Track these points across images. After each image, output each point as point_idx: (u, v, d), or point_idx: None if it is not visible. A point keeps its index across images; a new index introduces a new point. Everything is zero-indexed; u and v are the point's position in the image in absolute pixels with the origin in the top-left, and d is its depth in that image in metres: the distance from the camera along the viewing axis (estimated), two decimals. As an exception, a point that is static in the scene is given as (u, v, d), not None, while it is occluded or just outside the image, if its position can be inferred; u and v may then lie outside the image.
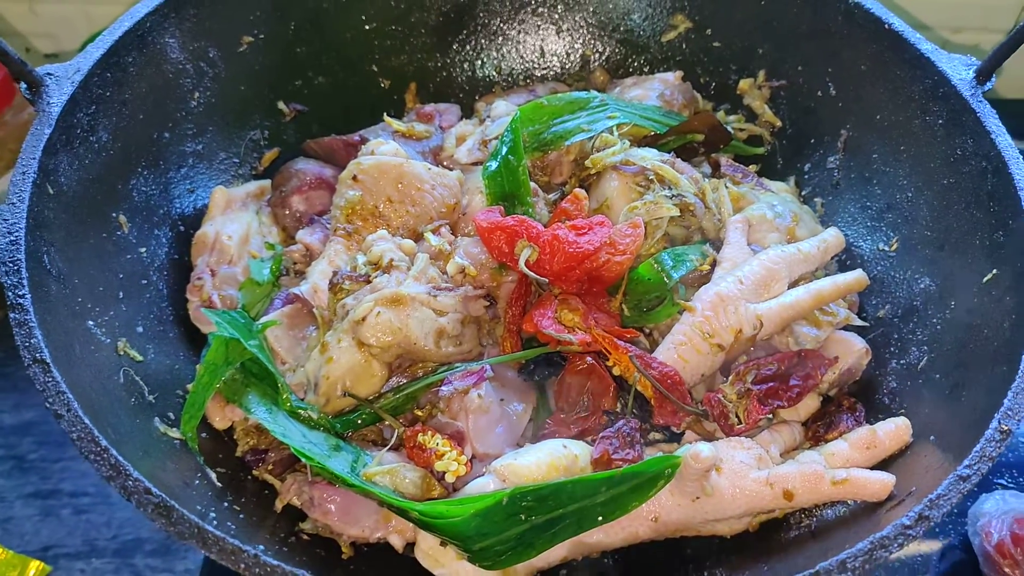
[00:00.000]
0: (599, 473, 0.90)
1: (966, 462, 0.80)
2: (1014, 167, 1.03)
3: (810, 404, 1.08)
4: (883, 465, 0.97)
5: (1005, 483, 1.28)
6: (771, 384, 1.03)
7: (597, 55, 1.44)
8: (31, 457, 1.27)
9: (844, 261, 1.24)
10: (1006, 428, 0.81)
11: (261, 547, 0.75)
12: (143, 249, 1.13)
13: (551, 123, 1.21)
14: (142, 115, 1.15)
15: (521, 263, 1.05)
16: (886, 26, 1.20)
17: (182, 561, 1.18)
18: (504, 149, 1.17)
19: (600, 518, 0.89)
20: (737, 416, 1.01)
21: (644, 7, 1.40)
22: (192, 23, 1.21)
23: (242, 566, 0.71)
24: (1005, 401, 0.84)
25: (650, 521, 0.94)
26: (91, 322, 0.98)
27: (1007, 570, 1.13)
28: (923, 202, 1.17)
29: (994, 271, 1.01)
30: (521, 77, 1.45)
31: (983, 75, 1.12)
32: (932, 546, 1.21)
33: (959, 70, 1.14)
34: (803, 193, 1.33)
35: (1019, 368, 0.85)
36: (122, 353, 1.01)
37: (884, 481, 0.92)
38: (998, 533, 1.14)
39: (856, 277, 1.11)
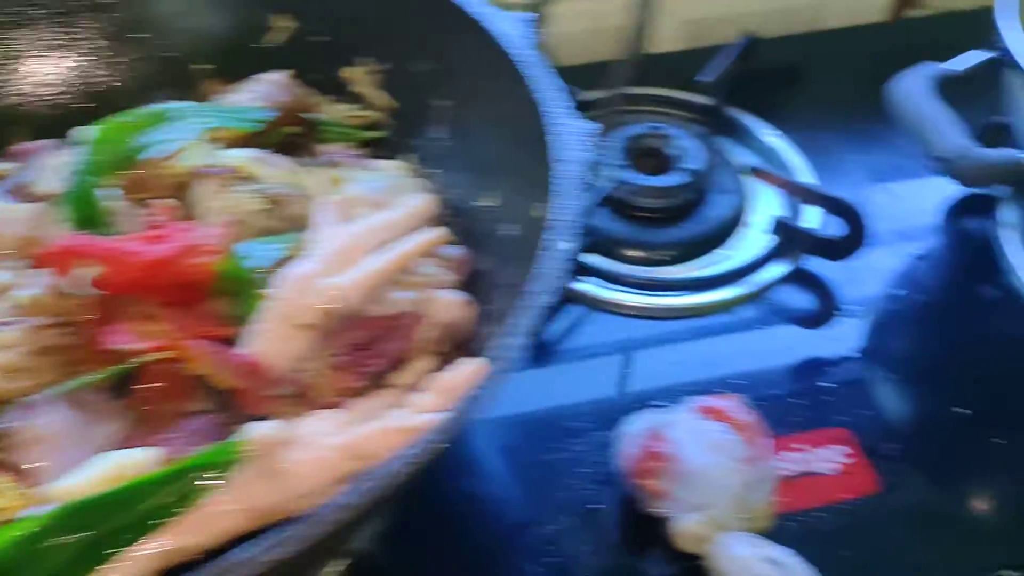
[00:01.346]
0: (154, 473, 0.88)
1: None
2: (551, 108, 1.11)
3: (422, 365, 1.11)
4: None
5: (659, 403, 1.33)
6: (360, 352, 1.05)
7: (201, 67, 1.44)
8: None
9: (461, 223, 1.28)
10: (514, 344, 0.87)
11: None
12: None
13: (132, 140, 1.20)
14: None
15: (85, 282, 1.02)
16: (447, 2, 1.26)
17: None
18: (80, 173, 1.14)
19: (173, 517, 0.88)
20: (327, 389, 1.03)
21: (241, 12, 1.41)
22: None
23: None
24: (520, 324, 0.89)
25: (243, 512, 0.93)
26: None
27: (647, 483, 1.17)
28: (509, 156, 1.23)
29: (542, 204, 1.07)
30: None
31: (533, 28, 1.21)
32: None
33: (514, 26, 1.22)
34: (421, 167, 1.37)
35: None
36: None
37: (444, 417, 0.94)
38: (634, 451, 1.19)
39: (436, 234, 1.15)
